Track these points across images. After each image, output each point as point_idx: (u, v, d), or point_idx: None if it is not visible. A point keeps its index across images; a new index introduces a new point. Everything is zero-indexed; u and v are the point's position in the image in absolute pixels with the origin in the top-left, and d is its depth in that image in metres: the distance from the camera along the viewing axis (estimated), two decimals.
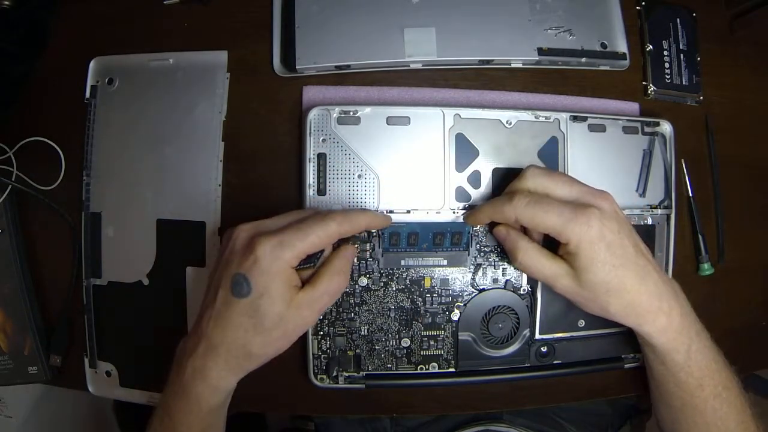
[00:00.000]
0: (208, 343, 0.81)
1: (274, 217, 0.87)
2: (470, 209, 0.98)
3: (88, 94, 1.08)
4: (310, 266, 0.86)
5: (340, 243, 0.90)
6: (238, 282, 0.79)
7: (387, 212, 0.97)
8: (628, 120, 1.06)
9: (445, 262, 1.00)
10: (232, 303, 0.80)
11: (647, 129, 1.06)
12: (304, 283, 0.85)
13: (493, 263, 1.01)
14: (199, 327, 0.83)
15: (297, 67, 1.04)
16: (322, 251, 0.87)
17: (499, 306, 1.01)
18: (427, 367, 1.02)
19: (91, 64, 1.09)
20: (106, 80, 1.08)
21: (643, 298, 0.87)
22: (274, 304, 0.80)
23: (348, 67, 1.05)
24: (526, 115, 1.01)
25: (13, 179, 1.06)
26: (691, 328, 0.90)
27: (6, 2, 1.03)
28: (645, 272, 0.87)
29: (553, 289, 0.91)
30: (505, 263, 1.02)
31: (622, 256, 0.85)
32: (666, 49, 1.15)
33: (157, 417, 0.85)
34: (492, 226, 0.98)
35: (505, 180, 0.97)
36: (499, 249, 1.01)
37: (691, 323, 0.90)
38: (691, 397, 0.92)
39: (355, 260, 0.98)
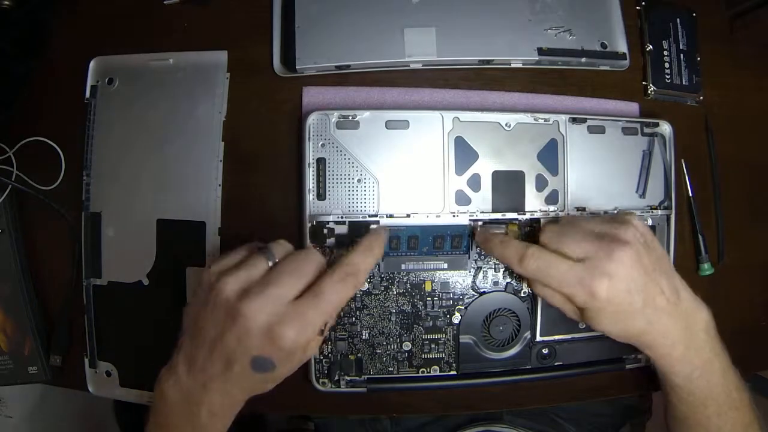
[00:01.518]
0: (226, 396, 0.80)
1: (279, 273, 0.80)
2: (485, 228, 0.99)
3: (88, 94, 1.08)
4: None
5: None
6: (262, 364, 0.77)
7: (387, 216, 0.97)
8: (627, 121, 1.06)
9: (445, 266, 1.00)
10: (250, 374, 0.78)
11: (647, 130, 1.06)
12: None
13: (493, 266, 1.02)
14: (211, 382, 0.79)
15: (297, 67, 1.04)
16: None
17: (500, 309, 1.02)
18: (428, 370, 1.02)
19: (91, 64, 1.09)
20: (106, 80, 1.08)
21: (648, 338, 0.88)
22: (293, 366, 0.82)
23: (348, 67, 1.05)
24: (525, 118, 1.01)
25: (13, 179, 1.06)
26: (696, 358, 0.90)
27: (6, 2, 1.03)
28: (654, 318, 0.87)
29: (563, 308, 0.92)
30: (506, 266, 1.02)
31: (629, 312, 0.85)
32: (666, 49, 1.15)
33: None
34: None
35: (505, 182, 0.98)
36: None
37: (697, 353, 0.90)
38: (694, 413, 0.92)
39: None
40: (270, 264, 0.81)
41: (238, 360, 0.77)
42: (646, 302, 0.86)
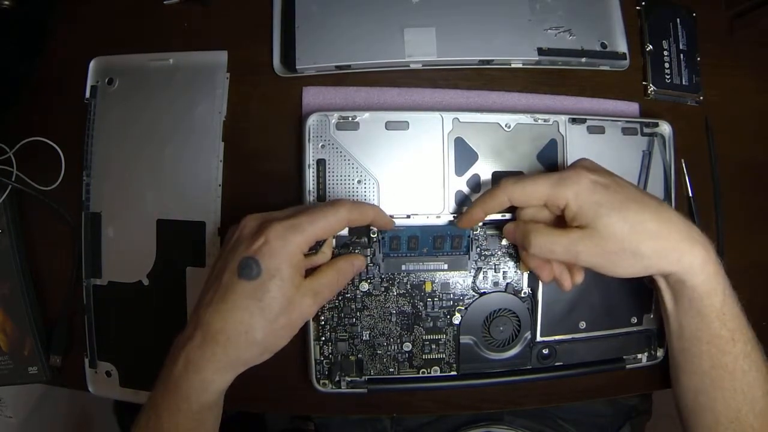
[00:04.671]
0: (206, 331, 0.78)
1: (283, 210, 0.86)
2: (459, 214, 0.98)
3: (88, 94, 1.08)
4: (313, 253, 0.86)
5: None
6: (247, 265, 0.76)
7: None
8: (627, 121, 1.06)
9: (445, 266, 1.00)
10: (238, 285, 0.77)
11: (646, 130, 1.06)
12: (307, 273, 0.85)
13: (493, 266, 1.01)
14: (196, 315, 0.80)
15: (297, 67, 1.04)
16: (323, 241, 0.87)
17: (500, 309, 1.02)
18: (429, 370, 1.02)
19: (91, 64, 1.09)
20: (106, 80, 1.08)
21: (671, 227, 0.84)
22: (283, 287, 0.78)
23: (348, 67, 1.06)
24: (525, 118, 1.01)
25: (13, 179, 1.06)
26: (722, 267, 0.87)
27: (6, 2, 1.03)
28: (657, 204, 0.85)
29: (578, 262, 0.87)
30: (506, 266, 1.02)
31: (623, 192, 0.84)
32: (666, 49, 1.15)
33: (145, 415, 0.82)
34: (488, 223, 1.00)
35: None
36: (499, 252, 1.02)
37: (720, 262, 0.87)
38: (723, 355, 0.88)
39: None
40: None
41: (228, 267, 0.80)
42: (636, 187, 0.87)
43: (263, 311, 0.78)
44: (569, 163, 1.01)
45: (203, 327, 0.78)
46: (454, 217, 0.99)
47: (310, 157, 0.97)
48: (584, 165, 0.87)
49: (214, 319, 0.78)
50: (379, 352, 1.00)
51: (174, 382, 0.78)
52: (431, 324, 1.01)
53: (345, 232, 0.97)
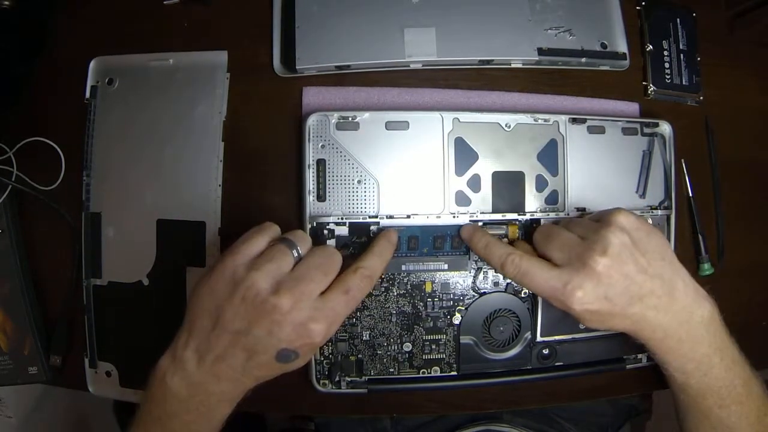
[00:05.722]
0: (238, 385, 0.81)
1: (308, 268, 0.82)
2: (472, 225, 1.00)
3: (88, 94, 1.08)
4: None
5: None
6: (287, 356, 0.80)
7: (387, 217, 0.97)
8: (627, 121, 1.06)
9: (445, 266, 1.00)
10: (274, 365, 0.80)
11: (646, 130, 1.06)
12: None
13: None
14: (227, 372, 0.80)
15: (297, 67, 1.04)
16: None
17: (500, 309, 1.02)
18: (429, 371, 1.02)
19: (91, 64, 1.08)
20: (106, 80, 1.08)
21: (636, 332, 0.90)
22: (310, 357, 0.85)
23: (348, 67, 1.05)
24: (525, 118, 1.01)
25: (13, 179, 1.05)
26: (691, 352, 0.89)
27: (6, 2, 1.02)
28: (641, 317, 0.87)
29: None
30: None
31: (611, 315, 0.87)
32: (666, 49, 1.15)
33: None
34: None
35: (505, 183, 0.99)
36: None
37: (692, 348, 0.89)
38: (694, 403, 0.92)
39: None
40: (295, 256, 0.83)
41: (264, 351, 0.79)
42: (631, 303, 0.86)
43: (287, 370, 0.83)
44: (571, 163, 1.02)
45: (240, 385, 0.82)
46: (456, 214, 0.99)
47: (310, 157, 0.97)
48: (596, 270, 0.84)
49: (249, 381, 0.82)
50: (379, 352, 1.00)
51: (208, 415, 0.82)
52: (431, 324, 1.01)
53: (345, 232, 0.97)
